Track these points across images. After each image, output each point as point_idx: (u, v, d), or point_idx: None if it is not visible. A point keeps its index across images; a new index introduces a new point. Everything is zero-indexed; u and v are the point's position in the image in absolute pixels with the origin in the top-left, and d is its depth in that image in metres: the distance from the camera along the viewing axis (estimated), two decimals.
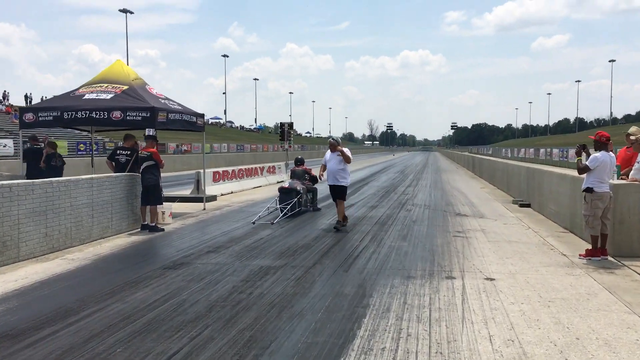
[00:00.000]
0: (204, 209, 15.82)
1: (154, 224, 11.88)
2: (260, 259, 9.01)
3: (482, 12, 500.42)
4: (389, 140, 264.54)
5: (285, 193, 14.38)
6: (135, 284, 7.43)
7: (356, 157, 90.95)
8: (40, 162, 14.25)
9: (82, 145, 41.72)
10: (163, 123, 13.25)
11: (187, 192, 19.85)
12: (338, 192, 12.19)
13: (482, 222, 13.22)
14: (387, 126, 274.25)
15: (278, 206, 14.06)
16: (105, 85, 13.58)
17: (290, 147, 30.63)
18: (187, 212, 15.03)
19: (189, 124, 14.65)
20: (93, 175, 10.83)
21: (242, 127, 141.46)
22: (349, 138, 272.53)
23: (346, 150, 12.24)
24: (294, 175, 15.62)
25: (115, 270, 8.23)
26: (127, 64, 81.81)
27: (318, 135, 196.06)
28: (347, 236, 11.20)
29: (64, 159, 15.20)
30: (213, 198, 18.31)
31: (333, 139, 12.58)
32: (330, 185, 12.31)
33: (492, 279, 7.58)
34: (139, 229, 11.93)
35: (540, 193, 14.77)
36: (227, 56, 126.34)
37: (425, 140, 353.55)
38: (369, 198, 19.33)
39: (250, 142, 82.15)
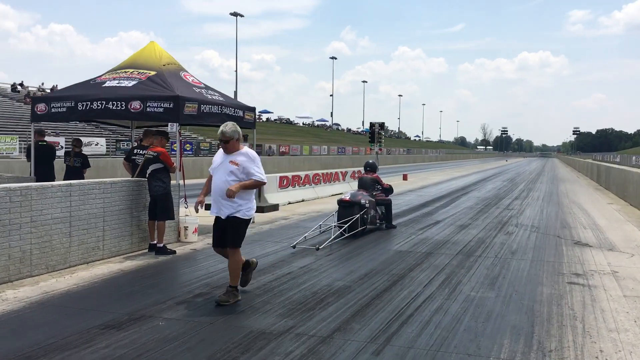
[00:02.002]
0: (252, 222, 13.08)
1: (162, 245, 9.28)
2: (261, 315, 6.04)
3: (611, 10, 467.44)
4: (504, 145, 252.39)
5: (345, 207, 11.33)
6: (56, 350, 4.71)
7: (466, 163, 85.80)
8: (51, 162, 12.17)
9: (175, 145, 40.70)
10: (193, 117, 10.66)
11: None
12: (227, 232, 6.52)
13: (613, 257, 9.47)
14: (502, 131, 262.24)
15: (335, 223, 11.02)
16: (131, 71, 11.18)
17: (380, 150, 27.42)
18: None
19: (232, 118, 11.96)
20: (73, 181, 8.36)
21: (348, 130, 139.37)
22: (460, 142, 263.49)
23: (250, 153, 6.54)
24: (361, 184, 12.53)
25: (47, 322, 5.59)
26: (237, 68, 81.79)
27: (428, 139, 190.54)
28: (409, 275, 7.98)
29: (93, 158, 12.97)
30: (274, 208, 15.59)
31: (227, 129, 6.42)
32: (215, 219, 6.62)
33: None
34: (146, 250, 9.37)
35: None
36: (336, 58, 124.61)
37: (544, 145, 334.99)
38: (462, 213, 15.80)
39: (353, 145, 79.40)
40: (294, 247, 9.51)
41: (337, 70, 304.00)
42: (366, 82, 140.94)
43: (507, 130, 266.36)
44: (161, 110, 10.26)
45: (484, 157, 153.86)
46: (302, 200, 18.36)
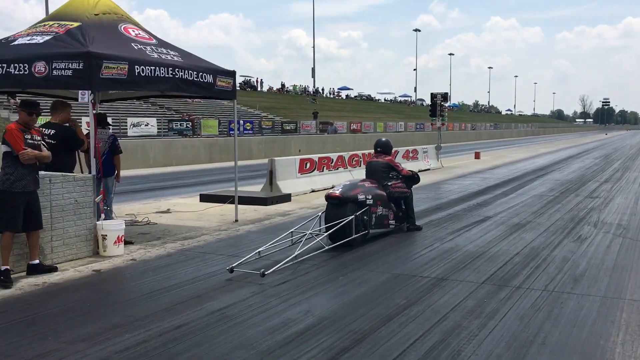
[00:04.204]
0: (236, 220, 10.10)
1: (36, 262, 6.47)
2: None
3: None
4: (605, 117, 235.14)
5: (334, 206, 8.04)
6: None
7: (560, 137, 78.77)
8: None
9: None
10: (120, 82, 7.75)
11: (253, 187, 14.28)
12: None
13: None
14: (603, 102, 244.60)
15: (310, 231, 7.71)
16: (52, 23, 8.41)
17: (443, 124, 23.60)
18: (200, 227, 9.45)
19: (194, 85, 8.97)
20: None
21: None
22: (557, 116, 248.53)
23: None
24: (369, 171, 9.19)
25: None
26: (314, 47, 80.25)
27: (521, 113, 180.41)
28: (380, 331, 4.70)
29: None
30: (283, 199, 12.51)
31: None
32: None
33: None
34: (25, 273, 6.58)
35: None
36: (419, 30, 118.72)
37: None
38: (526, 205, 12.06)
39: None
40: (231, 270, 6.38)
41: (426, 45, 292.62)
42: (453, 54, 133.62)
43: (609, 102, 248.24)
44: (69, 73, 7.40)
45: (582, 130, 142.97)
46: (332, 187, 15.14)
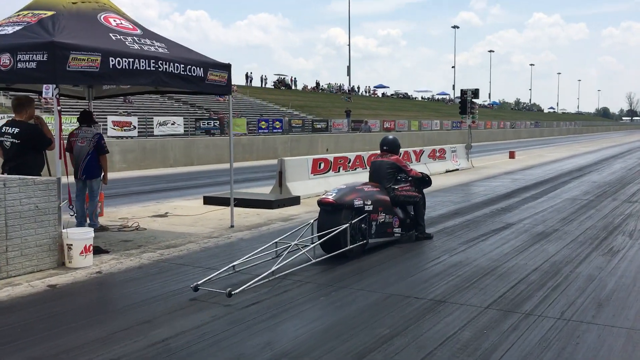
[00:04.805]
0: (231, 225, 9.32)
1: None
2: None
3: None
4: None
5: (327, 213, 7.18)
6: None
7: (604, 136, 75.90)
8: None
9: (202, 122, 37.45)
10: (91, 75, 7.05)
11: (268, 189, 13.48)
12: None
13: None
14: None
15: (295, 242, 6.84)
16: (26, 13, 7.77)
17: (474, 122, 22.41)
18: (190, 233, 8.70)
19: (182, 80, 8.23)
20: None
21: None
22: (602, 113, 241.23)
23: None
24: (373, 173, 8.30)
25: None
26: (350, 45, 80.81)
27: (564, 111, 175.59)
28: None
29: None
30: (292, 201, 11.70)
31: None
32: None
33: None
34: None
35: None
36: (458, 27, 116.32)
37: None
38: (555, 210, 10.96)
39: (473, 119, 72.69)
40: (195, 289, 5.57)
41: (466, 42, 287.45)
42: (492, 51, 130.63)
43: None
44: (33, 65, 6.73)
45: (629, 128, 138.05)
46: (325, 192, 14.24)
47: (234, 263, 6.13)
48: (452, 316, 4.97)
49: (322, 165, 13.84)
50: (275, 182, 12.93)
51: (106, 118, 27.97)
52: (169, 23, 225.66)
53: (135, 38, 7.97)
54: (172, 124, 33.32)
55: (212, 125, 34.85)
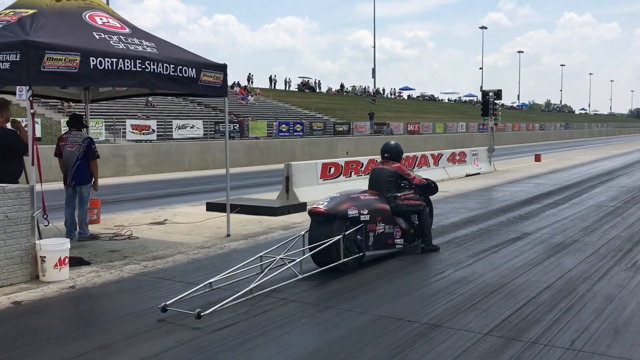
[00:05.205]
0: (228, 234, 8.84)
1: None
2: None
3: None
4: None
5: (319, 224, 6.62)
6: None
7: (637, 137, 73.80)
8: None
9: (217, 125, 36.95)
10: (68, 76, 6.62)
11: (269, 195, 12.98)
12: None
13: None
14: None
15: (281, 256, 6.30)
16: (8, 12, 7.41)
17: (496, 124, 21.62)
18: (183, 243, 8.24)
19: (171, 81, 7.78)
20: None
21: (502, 105, 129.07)
22: (636, 114, 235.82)
23: None
24: (372, 179, 7.72)
25: None
26: (375, 47, 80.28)
27: (596, 112, 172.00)
28: None
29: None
30: (298, 208, 11.17)
31: None
32: None
33: None
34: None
35: None
36: (486, 27, 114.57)
37: None
38: (578, 218, 10.24)
39: (501, 121, 71.11)
40: (163, 309, 5.06)
41: (495, 43, 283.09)
42: (522, 52, 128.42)
43: None
44: (7, 66, 6.34)
45: None
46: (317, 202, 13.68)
47: (212, 280, 5.61)
48: (445, 344, 4.38)
49: (333, 170, 13.29)
50: (281, 188, 12.43)
51: (125, 121, 27.84)
52: (197, 27, 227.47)
53: (122, 37, 7.55)
54: (191, 128, 33.10)
55: (232, 128, 34.53)
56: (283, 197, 12.21)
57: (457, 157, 18.67)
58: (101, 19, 7.68)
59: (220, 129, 34.11)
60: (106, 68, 6.95)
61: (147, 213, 11.25)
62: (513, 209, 11.48)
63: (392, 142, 8.04)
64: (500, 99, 21.27)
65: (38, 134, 23.74)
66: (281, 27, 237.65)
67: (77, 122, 8.62)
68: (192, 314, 4.88)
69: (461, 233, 8.89)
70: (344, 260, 6.46)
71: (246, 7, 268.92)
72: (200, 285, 5.49)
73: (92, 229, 9.18)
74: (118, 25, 7.83)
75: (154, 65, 7.50)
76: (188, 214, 11.04)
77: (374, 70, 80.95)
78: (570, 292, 5.74)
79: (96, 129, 27.37)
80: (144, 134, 28.63)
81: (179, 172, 21.77)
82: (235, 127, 34.49)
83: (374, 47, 78.64)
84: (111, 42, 7.29)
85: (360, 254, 6.72)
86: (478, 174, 19.10)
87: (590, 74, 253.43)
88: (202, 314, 4.79)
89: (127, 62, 7.19)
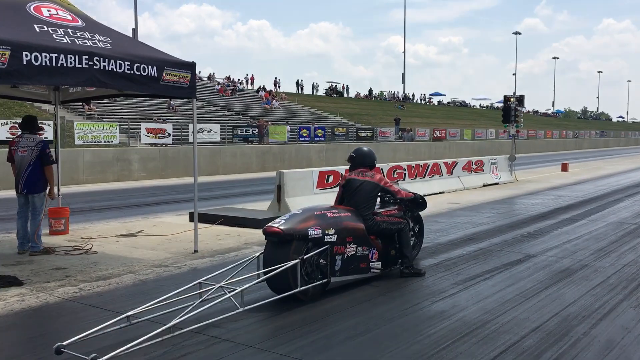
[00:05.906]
0: (195, 250, 8.01)
1: None
2: None
3: None
4: None
5: (274, 245, 5.73)
6: None
7: None
8: None
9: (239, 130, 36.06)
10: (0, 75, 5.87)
11: (266, 204, 12.12)
12: None
13: None
14: None
15: (221, 283, 5.44)
16: None
17: (518, 131, 20.41)
18: (143, 259, 7.43)
19: (125, 80, 6.98)
20: None
21: (535, 112, 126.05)
22: None
23: None
24: (351, 193, 6.74)
25: None
26: (405, 52, 79.93)
27: (634, 120, 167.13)
28: None
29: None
30: None
31: None
32: None
33: None
34: None
35: None
36: (520, 33, 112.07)
37: None
38: (594, 236, 9.13)
39: (531, 127, 69.05)
40: (58, 351, 4.22)
41: (531, 49, 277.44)
42: (557, 58, 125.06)
43: None
44: None
45: None
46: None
47: (130, 312, 4.74)
48: None
49: (331, 179, 12.37)
50: (273, 197, 11.57)
51: (139, 124, 27.38)
52: (231, 32, 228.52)
53: (70, 30, 6.79)
54: (209, 132, 32.51)
55: (251, 132, 33.84)
56: (274, 208, 11.35)
57: (474, 166, 17.54)
58: (49, 11, 6.95)
59: (239, 132, 33.54)
60: (43, 64, 6.18)
61: (125, 223, 10.52)
62: (523, 224, 10.40)
63: (366, 148, 7.09)
64: (522, 105, 20.06)
65: (51, 136, 23.31)
66: (315, 33, 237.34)
67: (30, 124, 7.91)
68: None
69: (456, 253, 7.89)
70: (302, 288, 5.54)
71: (281, 12, 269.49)
72: (114, 320, 4.62)
73: (56, 240, 8.51)
74: (69, 17, 7.08)
75: (104, 62, 6.72)
76: (168, 225, 10.28)
77: (403, 75, 79.77)
78: (562, 335, 4.73)
79: (110, 132, 26.93)
80: (159, 137, 28.12)
81: (186, 177, 21.07)
82: (254, 131, 33.81)
83: (404, 52, 77.34)
84: (54, 35, 6.54)
85: (324, 280, 5.79)
86: (497, 183, 17.96)
87: (629, 81, 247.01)
88: (98, 359, 3.93)
89: (71, 58, 6.42)
